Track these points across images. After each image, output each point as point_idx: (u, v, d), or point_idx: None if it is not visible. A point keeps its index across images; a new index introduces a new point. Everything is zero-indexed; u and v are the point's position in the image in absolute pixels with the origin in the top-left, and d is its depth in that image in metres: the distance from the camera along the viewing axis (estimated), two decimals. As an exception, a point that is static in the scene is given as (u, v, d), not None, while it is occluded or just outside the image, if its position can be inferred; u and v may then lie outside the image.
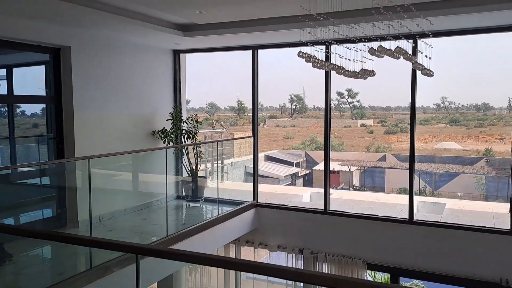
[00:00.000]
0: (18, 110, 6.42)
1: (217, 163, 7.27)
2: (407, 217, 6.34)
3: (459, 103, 30.03)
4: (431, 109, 29.49)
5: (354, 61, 3.79)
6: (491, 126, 26.93)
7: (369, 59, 3.81)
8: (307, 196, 8.70)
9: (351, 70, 3.77)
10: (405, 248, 6.32)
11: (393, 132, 28.85)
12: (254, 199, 7.45)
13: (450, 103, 30.19)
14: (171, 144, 7.52)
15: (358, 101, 32.21)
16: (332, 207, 6.95)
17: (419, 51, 3.75)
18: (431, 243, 6.16)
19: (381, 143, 27.92)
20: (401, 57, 3.71)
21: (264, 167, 22.31)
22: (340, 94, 30.77)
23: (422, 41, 3.74)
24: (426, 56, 3.76)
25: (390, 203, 7.75)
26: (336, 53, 3.77)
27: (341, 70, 3.79)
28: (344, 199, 8.09)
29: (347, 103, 32.22)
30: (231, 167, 14.52)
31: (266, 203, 7.42)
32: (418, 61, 3.83)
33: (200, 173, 7.81)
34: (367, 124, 30.50)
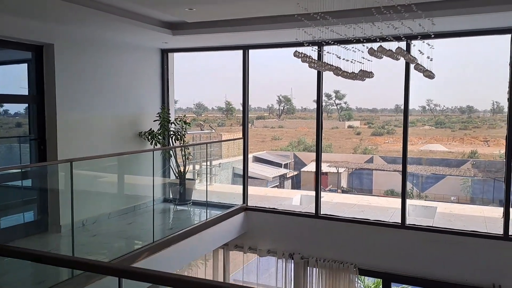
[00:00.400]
0: (1, 109, 6.19)
1: (206, 165, 7.07)
2: (400, 222, 6.24)
3: (444, 106, 30.38)
4: (417, 111, 29.77)
5: (352, 62, 3.65)
6: (475, 129, 27.29)
7: (368, 60, 3.68)
8: (297, 199, 8.57)
9: (349, 71, 3.63)
10: (397, 253, 6.23)
11: (379, 133, 29.02)
12: (243, 202, 7.28)
13: (435, 106, 30.52)
14: (158, 145, 7.30)
15: (345, 103, 32.35)
16: (323, 210, 6.83)
17: (420, 52, 3.63)
18: (423, 248, 6.08)
19: (368, 145, 28.06)
20: (401, 58, 3.59)
21: (252, 168, 22.17)
22: (328, 96, 30.84)
23: (424, 42, 3.63)
24: (428, 57, 3.64)
25: (382, 206, 7.66)
26: (333, 53, 3.63)
27: (338, 71, 3.64)
28: (335, 202, 7.98)
29: (335, 105, 32.33)
30: (219, 168, 14.35)
31: (256, 206, 7.26)
32: (420, 62, 3.71)
33: (188, 175, 7.61)
34: (354, 125, 30.64)
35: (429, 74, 3.77)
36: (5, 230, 5.89)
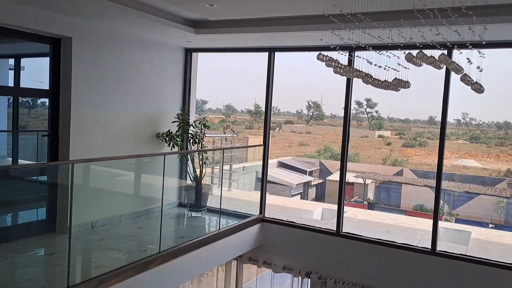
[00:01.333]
0: (39, 101, 6.21)
1: (221, 173, 6.70)
2: (429, 247, 5.68)
3: (480, 120, 29.16)
4: (451, 124, 28.66)
5: (385, 69, 3.19)
6: (512, 146, 26.13)
7: (405, 67, 3.20)
8: (318, 213, 8.08)
9: (382, 80, 3.17)
10: (425, 282, 5.66)
11: (411, 145, 28.03)
12: (260, 213, 6.87)
13: (471, 120, 29.28)
14: (176, 147, 7.00)
15: (376, 112, 31.50)
16: (346, 228, 6.33)
17: (469, 61, 3.12)
18: (455, 279, 5.49)
19: (398, 156, 27.15)
20: (444, 66, 3.11)
21: (277, 173, 21.76)
22: (359, 103, 30.10)
23: (473, 50, 3.11)
24: (478, 68, 3.13)
25: (410, 227, 7.07)
26: (363, 58, 3.17)
27: (368, 79, 3.18)
28: (358, 220, 7.44)
29: (365, 113, 31.53)
30: (243, 171, 13.98)
31: (273, 218, 6.83)
32: (467, 73, 3.19)
33: (205, 180, 7.27)
34: (385, 135, 29.75)
35: (478, 88, 3.24)
36: (10, 228, 5.72)
